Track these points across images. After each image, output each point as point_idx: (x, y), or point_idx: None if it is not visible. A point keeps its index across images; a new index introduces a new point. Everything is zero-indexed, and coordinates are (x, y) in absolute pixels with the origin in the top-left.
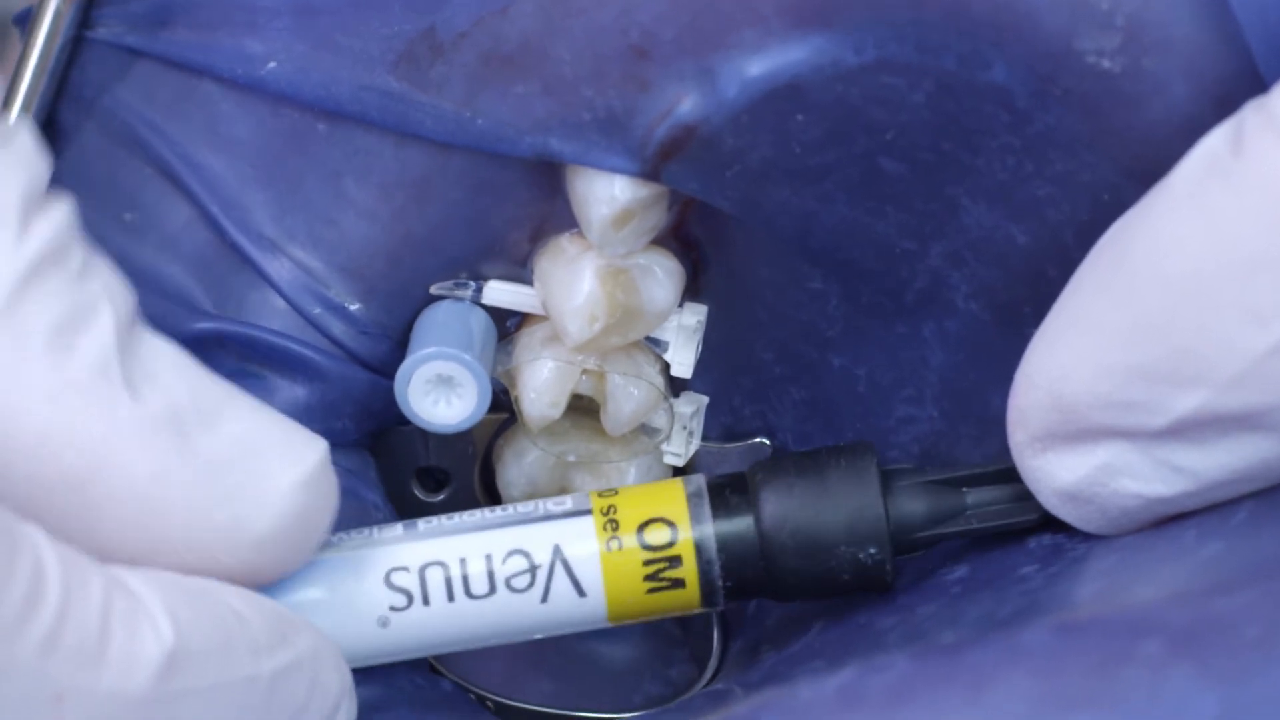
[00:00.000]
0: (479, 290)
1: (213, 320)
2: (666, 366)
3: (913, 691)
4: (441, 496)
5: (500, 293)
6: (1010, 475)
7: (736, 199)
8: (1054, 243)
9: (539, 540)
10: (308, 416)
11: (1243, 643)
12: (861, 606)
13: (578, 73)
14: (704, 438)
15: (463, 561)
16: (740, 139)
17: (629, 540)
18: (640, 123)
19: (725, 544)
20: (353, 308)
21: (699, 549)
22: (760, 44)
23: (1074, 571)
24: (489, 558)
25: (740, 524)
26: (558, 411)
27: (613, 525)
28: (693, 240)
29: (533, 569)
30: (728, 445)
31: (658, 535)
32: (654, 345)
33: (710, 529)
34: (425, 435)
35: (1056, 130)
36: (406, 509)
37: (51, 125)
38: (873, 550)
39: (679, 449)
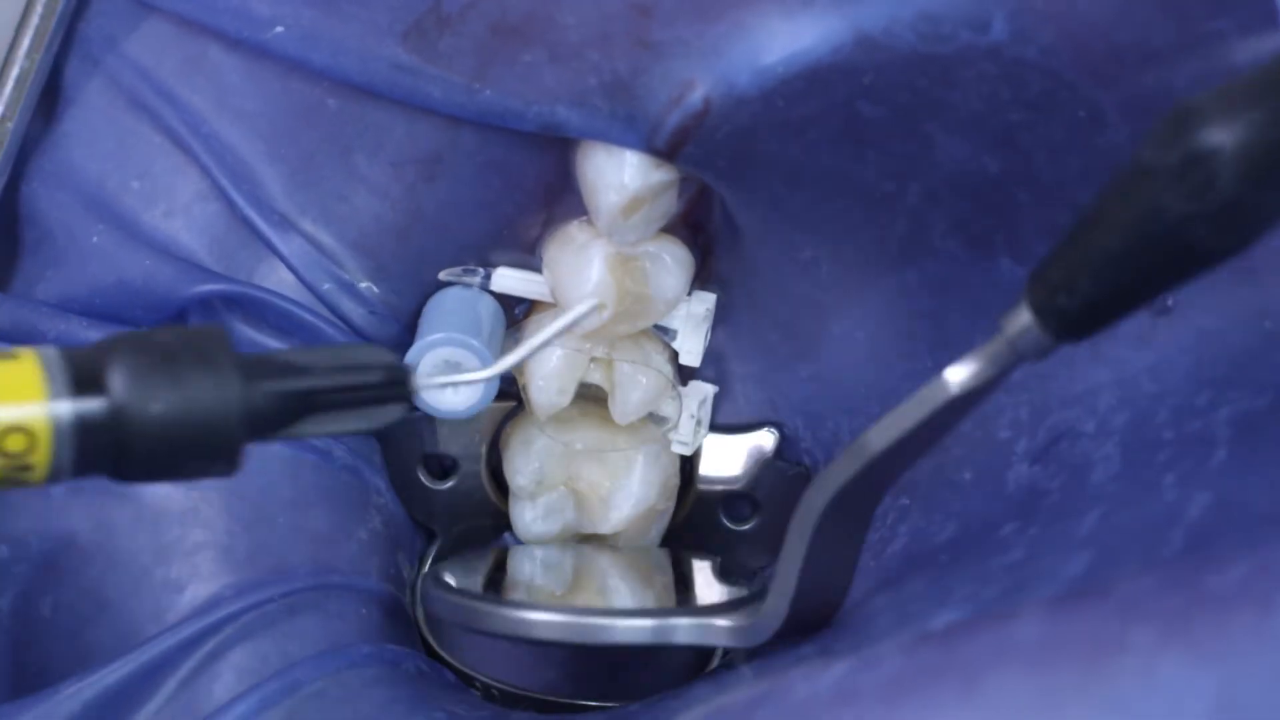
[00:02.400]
0: (488, 277)
1: (222, 282)
2: (675, 355)
3: (907, 688)
4: (449, 484)
5: (509, 279)
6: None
7: (729, 162)
8: (1025, 168)
9: None
10: None
11: (1237, 625)
12: (858, 579)
13: (583, 37)
14: (712, 426)
15: None
16: (747, 118)
17: None
18: (646, 93)
19: (81, 445)
20: (362, 286)
21: (56, 456)
22: (765, 22)
23: (1054, 536)
24: None
25: (98, 420)
26: (566, 399)
27: None
28: (702, 228)
29: None
30: (735, 434)
31: (15, 443)
32: (663, 333)
33: (69, 441)
34: (432, 422)
35: (1034, 52)
36: (414, 496)
37: (56, 79)
38: (223, 462)
39: (687, 438)
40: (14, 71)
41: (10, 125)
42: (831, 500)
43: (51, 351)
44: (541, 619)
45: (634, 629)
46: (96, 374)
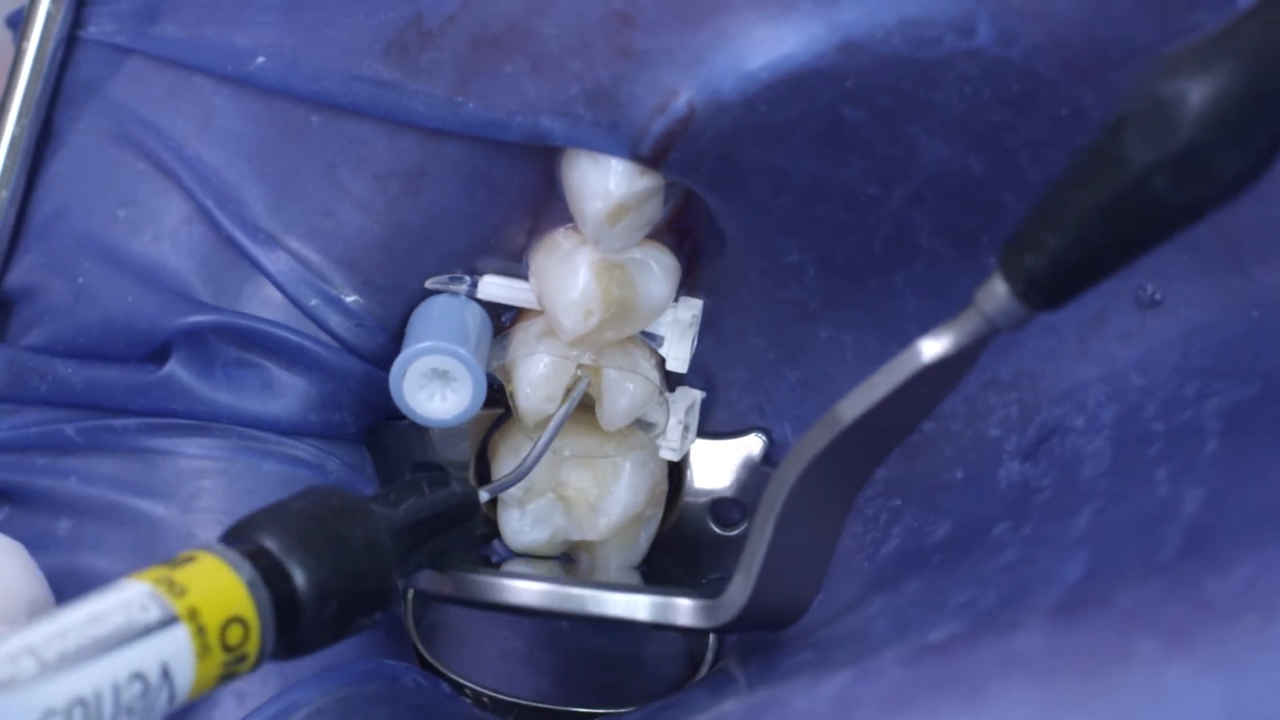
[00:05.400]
0: (474, 285)
1: (210, 313)
2: (662, 361)
3: (909, 699)
4: None
5: (495, 287)
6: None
7: (713, 168)
8: (1009, 168)
9: (151, 661)
10: (308, 407)
11: (1241, 633)
12: (852, 580)
13: (564, 46)
14: (700, 432)
15: (99, 696)
16: (730, 124)
17: (214, 645)
18: (630, 101)
19: (281, 638)
20: (349, 300)
21: (262, 644)
22: (747, 29)
23: (1048, 535)
24: (117, 689)
25: (288, 613)
26: (553, 406)
27: (201, 633)
28: (688, 234)
29: (147, 689)
30: (723, 440)
31: (234, 635)
32: (649, 340)
33: (271, 622)
34: (421, 430)
35: (1017, 53)
36: None
37: (46, 126)
38: (377, 614)
39: (675, 444)
40: (5, 140)
41: (6, 194)
42: (803, 475)
43: (218, 546)
44: (517, 586)
45: (603, 600)
46: (271, 558)
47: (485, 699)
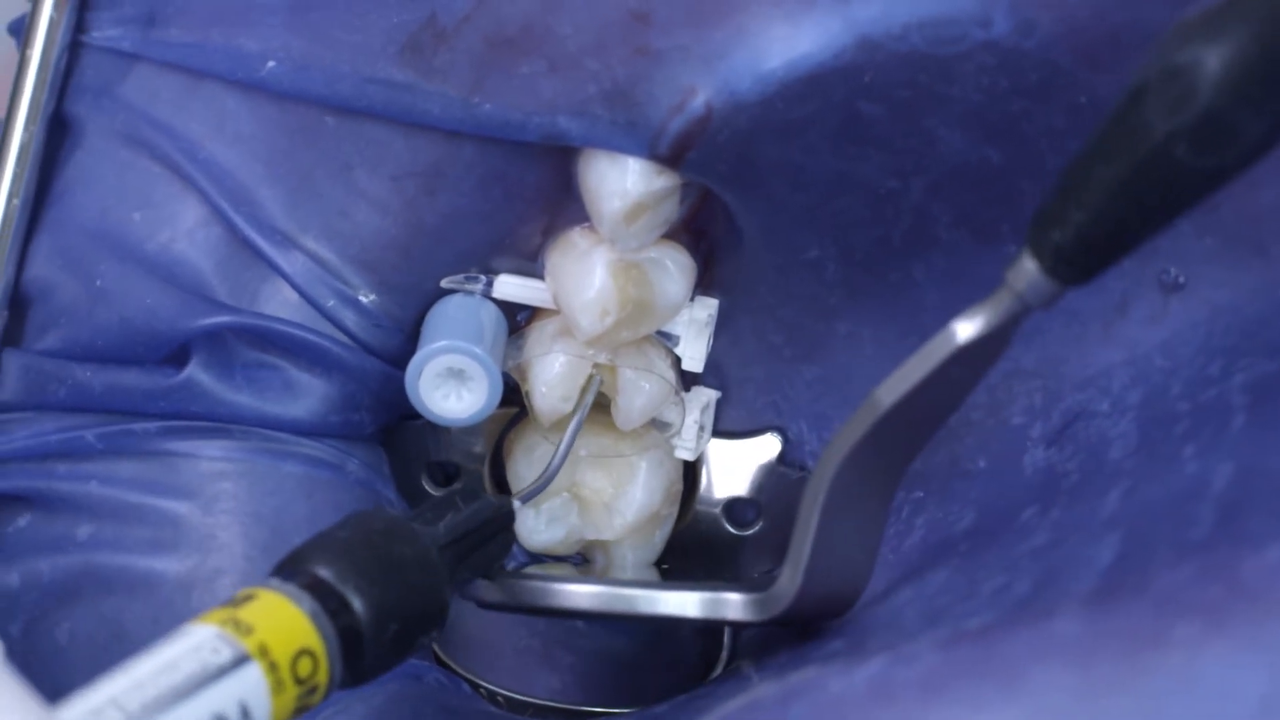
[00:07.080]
0: (490, 284)
1: (227, 314)
2: (678, 361)
3: (945, 684)
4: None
5: (511, 286)
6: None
7: (731, 166)
8: (1028, 157)
9: (230, 701)
10: (328, 409)
11: (1279, 610)
12: (877, 573)
13: (581, 45)
14: (715, 432)
15: None
16: (747, 122)
17: (287, 679)
18: (647, 100)
19: (347, 665)
20: (365, 300)
21: (330, 673)
22: (765, 26)
23: (1078, 517)
24: None
25: (351, 640)
26: (568, 405)
27: (274, 669)
28: (704, 234)
29: None
30: (739, 440)
31: (304, 667)
32: (665, 339)
33: (337, 651)
34: (436, 429)
35: (1033, 43)
36: (417, 503)
37: (56, 130)
38: (435, 632)
39: (690, 443)
40: (14, 148)
41: (17, 202)
42: (845, 463)
43: (275, 581)
44: (570, 590)
45: (655, 599)
46: (328, 587)
47: (500, 698)
